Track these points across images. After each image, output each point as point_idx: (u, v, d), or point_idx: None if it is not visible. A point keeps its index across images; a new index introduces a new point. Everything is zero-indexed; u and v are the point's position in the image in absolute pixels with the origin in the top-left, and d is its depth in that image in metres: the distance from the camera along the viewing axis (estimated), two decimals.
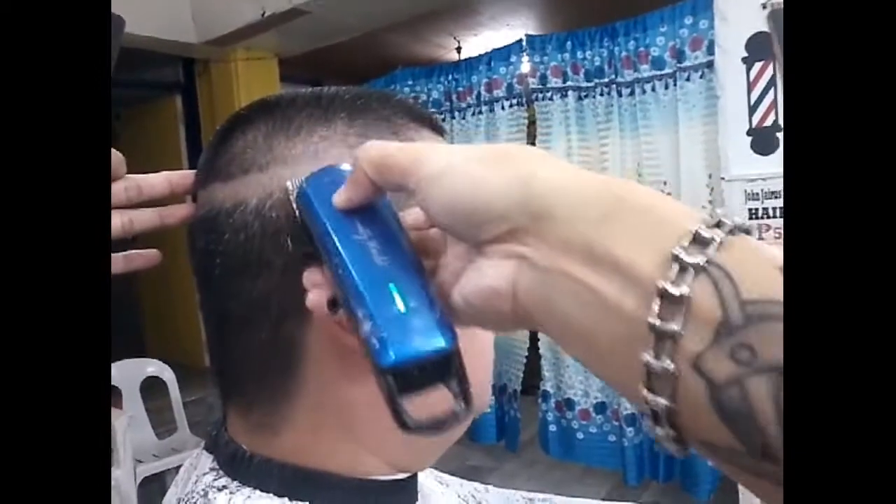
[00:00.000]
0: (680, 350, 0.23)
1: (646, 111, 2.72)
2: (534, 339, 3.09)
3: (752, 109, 2.33)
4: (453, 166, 0.28)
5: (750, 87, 2.34)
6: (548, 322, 0.27)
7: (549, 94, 2.94)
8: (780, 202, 2.26)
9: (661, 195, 0.27)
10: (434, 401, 0.29)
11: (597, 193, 0.26)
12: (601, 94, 2.84)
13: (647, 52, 2.67)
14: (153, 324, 5.33)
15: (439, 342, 0.29)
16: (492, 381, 0.45)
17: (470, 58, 3.40)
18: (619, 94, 2.78)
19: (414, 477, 0.44)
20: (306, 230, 0.33)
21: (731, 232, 0.24)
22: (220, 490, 0.38)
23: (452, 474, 0.55)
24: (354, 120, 0.39)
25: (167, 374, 2.89)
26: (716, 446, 0.23)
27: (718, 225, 0.24)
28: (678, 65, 2.58)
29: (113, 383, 2.68)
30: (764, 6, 2.25)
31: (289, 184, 0.34)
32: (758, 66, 2.31)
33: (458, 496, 0.53)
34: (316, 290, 0.33)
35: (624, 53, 2.73)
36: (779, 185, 2.25)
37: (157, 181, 0.43)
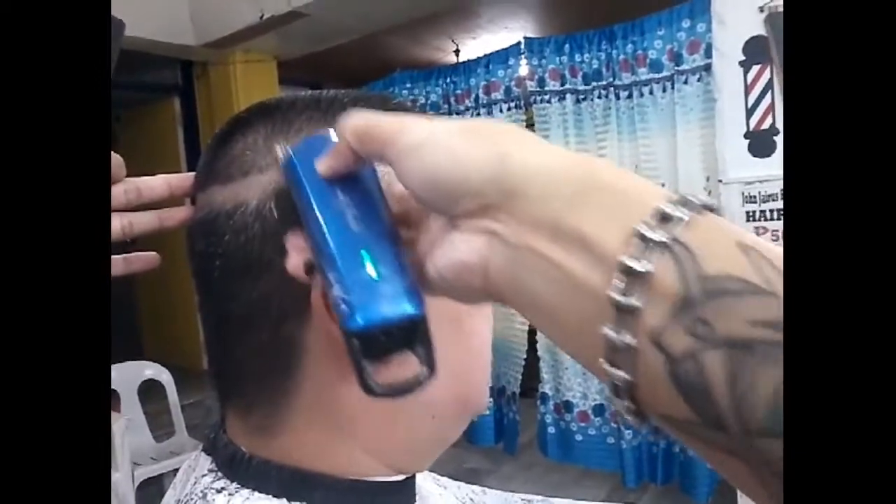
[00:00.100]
0: (640, 324, 0.23)
1: (643, 114, 2.72)
2: (532, 342, 3.09)
3: (750, 112, 2.34)
4: (432, 139, 0.29)
5: (747, 90, 2.34)
6: (516, 298, 0.28)
7: (547, 97, 2.94)
8: (777, 205, 2.26)
9: (633, 175, 0.27)
10: (399, 366, 0.30)
11: (568, 172, 0.27)
12: (599, 97, 2.84)
13: (645, 55, 2.67)
14: (151, 327, 5.33)
15: (406, 308, 0.30)
16: (490, 383, 0.45)
17: (468, 60, 3.40)
18: (617, 97, 2.79)
19: (412, 478, 0.44)
20: (291, 196, 0.34)
21: (697, 210, 0.24)
22: (218, 492, 0.38)
23: (450, 477, 0.55)
24: None
25: (165, 377, 2.89)
26: (673, 418, 0.23)
27: (685, 203, 0.24)
28: (676, 68, 2.58)
29: (111, 386, 2.68)
30: (761, 10, 2.26)
31: (278, 150, 0.35)
32: (755, 69, 2.32)
33: (456, 498, 0.53)
34: (296, 253, 0.33)
35: (622, 56, 2.74)
36: (776, 187, 2.26)
37: (157, 184, 0.43)
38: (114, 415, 2.46)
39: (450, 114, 3.35)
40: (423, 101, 3.40)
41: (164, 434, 2.91)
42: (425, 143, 0.29)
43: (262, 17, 3.66)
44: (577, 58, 2.87)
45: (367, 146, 0.31)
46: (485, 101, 3.21)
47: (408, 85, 3.48)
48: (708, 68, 2.47)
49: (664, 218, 0.24)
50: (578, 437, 3.02)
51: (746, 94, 2.34)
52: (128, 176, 0.42)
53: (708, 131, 2.50)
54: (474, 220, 0.28)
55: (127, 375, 2.81)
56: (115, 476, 2.31)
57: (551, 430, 3.08)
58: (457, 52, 5.10)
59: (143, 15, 3.53)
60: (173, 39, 3.98)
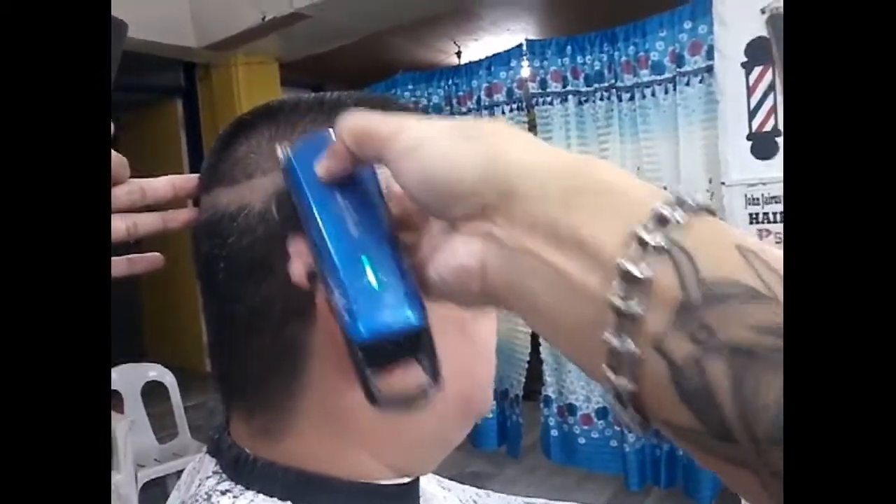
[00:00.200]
0: (641, 331, 0.23)
1: (645, 116, 2.72)
2: (535, 345, 3.09)
3: (752, 114, 2.34)
4: (428, 140, 0.28)
5: (749, 91, 2.34)
6: (515, 301, 0.27)
7: (549, 99, 2.95)
8: (780, 207, 2.26)
9: (631, 176, 0.27)
10: (404, 377, 0.30)
11: (564, 172, 0.26)
12: (601, 99, 2.84)
13: (647, 56, 2.67)
14: (154, 328, 5.34)
15: (409, 319, 0.29)
16: (493, 385, 0.45)
17: (470, 62, 3.41)
18: (619, 99, 2.79)
19: (416, 481, 0.44)
20: (291, 199, 0.34)
21: (694, 212, 0.24)
22: (223, 494, 0.38)
23: (452, 480, 0.55)
24: None
25: (168, 379, 2.89)
26: (677, 426, 0.23)
27: (681, 205, 0.24)
28: (678, 69, 2.59)
29: (114, 388, 2.68)
30: (763, 11, 2.25)
31: (279, 150, 0.35)
32: (757, 70, 2.31)
33: (460, 501, 0.53)
34: (298, 259, 0.33)
35: (624, 58, 2.74)
36: (779, 189, 2.25)
37: (161, 185, 0.43)
38: (117, 416, 2.46)
39: (452, 115, 3.34)
40: (425, 102, 3.41)
41: (167, 436, 2.91)
42: (421, 145, 0.29)
43: (263, 19, 3.67)
44: (579, 59, 2.87)
45: (364, 148, 0.31)
46: (487, 103, 3.21)
47: (410, 86, 3.49)
48: (710, 70, 2.47)
49: (662, 220, 0.24)
50: (581, 441, 3.01)
51: (749, 95, 2.34)
52: (131, 178, 0.42)
53: (710, 133, 2.50)
54: (472, 223, 0.28)
55: (130, 377, 2.81)
56: (118, 477, 2.31)
57: (554, 433, 3.08)
58: (459, 53, 5.10)
59: (145, 17, 3.53)
60: (175, 41, 3.98)
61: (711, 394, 0.21)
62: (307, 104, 0.40)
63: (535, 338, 3.06)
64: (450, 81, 3.37)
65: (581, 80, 2.88)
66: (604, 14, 3.35)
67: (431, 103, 3.41)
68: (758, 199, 2.31)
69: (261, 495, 0.38)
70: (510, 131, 0.29)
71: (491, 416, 3.26)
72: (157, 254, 0.45)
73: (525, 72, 3.10)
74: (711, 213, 0.25)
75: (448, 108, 3.37)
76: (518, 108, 3.15)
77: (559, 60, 2.91)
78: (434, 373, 0.30)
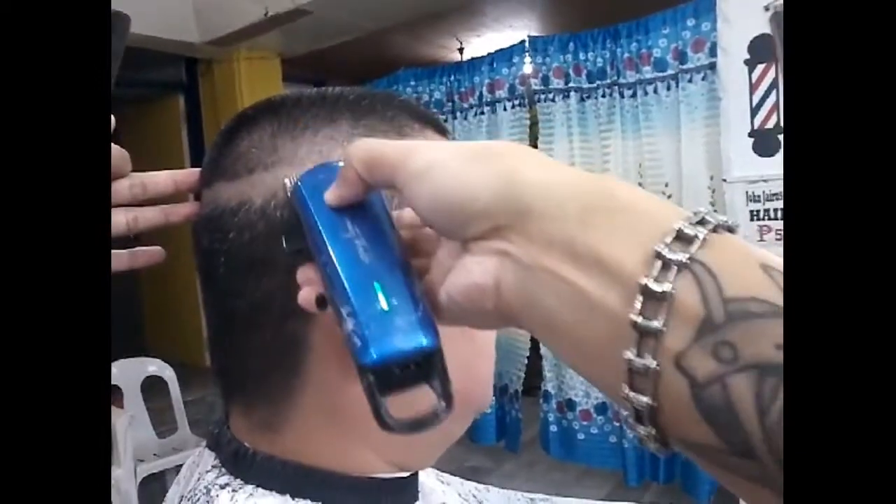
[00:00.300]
0: (662, 348, 0.23)
1: (648, 112, 2.72)
2: (535, 340, 3.09)
3: (754, 111, 2.33)
4: (439, 163, 0.28)
5: (752, 89, 2.33)
6: (530, 320, 0.27)
7: (551, 96, 2.94)
8: (781, 204, 2.26)
9: (646, 193, 0.27)
10: (415, 400, 0.29)
11: (580, 190, 0.26)
12: (603, 96, 2.84)
13: (650, 53, 2.67)
14: (154, 323, 5.34)
15: (421, 341, 0.29)
16: (493, 381, 0.45)
17: (472, 59, 3.40)
18: (622, 96, 2.78)
19: (415, 475, 0.44)
20: (300, 227, 0.33)
21: (715, 230, 0.24)
22: (222, 488, 0.38)
23: (451, 475, 0.56)
24: (359, 120, 0.39)
25: (168, 374, 2.89)
26: (697, 444, 0.23)
27: (702, 222, 0.24)
28: (680, 66, 2.58)
29: (114, 382, 2.68)
30: (766, 8, 2.25)
31: (286, 181, 0.35)
32: (760, 68, 2.31)
33: (459, 495, 0.53)
34: (307, 286, 0.33)
35: (626, 55, 2.73)
36: (780, 187, 2.25)
37: (162, 179, 0.43)
38: (117, 411, 2.46)
39: (454, 112, 3.35)
40: (427, 98, 3.40)
41: (166, 430, 2.92)
42: (433, 167, 0.28)
43: (266, 15, 3.67)
44: (582, 56, 2.86)
45: (375, 173, 0.30)
46: (489, 100, 3.20)
47: (412, 83, 3.48)
48: (712, 67, 2.46)
49: (682, 237, 0.23)
50: (580, 436, 3.01)
51: (751, 92, 2.34)
52: (132, 172, 0.42)
53: (712, 130, 2.50)
54: (486, 243, 0.28)
55: (130, 372, 2.82)
56: (118, 472, 2.31)
57: (553, 428, 3.08)
58: (461, 50, 5.09)
59: (147, 12, 3.53)
60: (177, 36, 3.98)
61: (734, 411, 0.21)
62: (309, 99, 0.40)
63: None
64: (452, 78, 3.37)
65: (583, 76, 2.87)
66: (606, 11, 3.34)
67: (433, 99, 3.40)
68: (759, 195, 2.31)
69: (260, 489, 0.38)
70: (523, 150, 0.28)
71: (490, 411, 3.26)
72: (158, 247, 0.45)
73: (527, 68, 3.10)
74: (733, 231, 0.25)
75: (450, 104, 3.36)
76: (520, 105, 3.15)
77: (562, 57, 2.90)
78: (447, 395, 0.30)
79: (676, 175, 2.65)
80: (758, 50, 2.30)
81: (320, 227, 0.32)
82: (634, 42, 2.71)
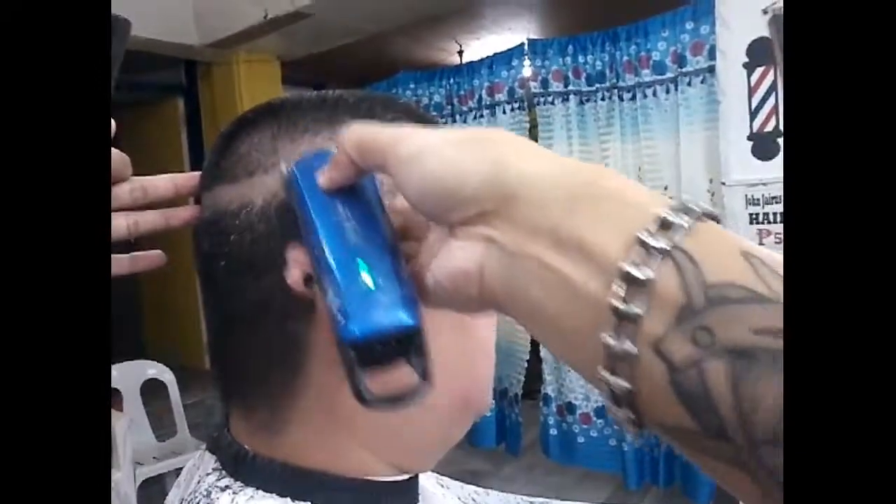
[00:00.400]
0: (641, 332, 0.23)
1: (647, 116, 2.72)
2: (535, 343, 3.09)
3: (753, 114, 2.33)
4: (429, 148, 0.29)
5: (751, 92, 2.34)
6: (513, 305, 0.27)
7: (550, 99, 2.94)
8: (780, 207, 2.26)
9: (631, 181, 0.27)
10: (395, 377, 0.30)
11: (567, 178, 0.26)
12: (602, 99, 2.84)
13: (649, 56, 2.67)
14: (154, 326, 5.33)
15: (402, 318, 0.29)
16: (493, 384, 0.45)
17: (472, 61, 3.40)
18: (621, 99, 2.79)
19: (415, 478, 0.44)
20: (293, 208, 0.34)
21: (699, 218, 0.24)
22: (223, 490, 0.38)
23: (451, 478, 0.56)
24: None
25: (167, 377, 2.89)
26: (674, 427, 0.23)
27: (686, 211, 0.24)
28: (679, 69, 2.58)
29: (113, 385, 2.68)
30: (765, 12, 2.25)
31: (283, 167, 0.35)
32: (759, 71, 2.31)
33: (459, 499, 0.53)
34: (296, 265, 0.33)
35: (625, 58, 2.74)
36: (779, 190, 2.25)
37: (163, 183, 0.43)
38: (116, 414, 2.46)
39: (453, 115, 3.35)
40: (426, 101, 3.41)
41: (166, 433, 2.91)
42: (422, 152, 0.29)
43: (265, 17, 3.67)
44: (581, 59, 2.87)
45: (367, 157, 0.31)
46: (488, 103, 3.21)
47: (411, 86, 3.48)
48: (711, 70, 2.46)
49: (665, 225, 0.24)
50: (580, 439, 3.01)
51: (750, 96, 2.34)
52: (132, 175, 0.42)
53: (711, 133, 2.50)
54: (472, 228, 0.28)
55: (129, 375, 2.82)
56: (117, 475, 2.31)
57: (553, 431, 3.08)
58: (460, 53, 5.10)
59: (146, 14, 3.53)
60: (177, 39, 3.98)
61: (709, 394, 0.22)
62: (309, 102, 0.40)
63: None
64: (451, 80, 3.37)
65: (583, 79, 2.88)
66: (605, 14, 3.34)
67: (433, 102, 3.41)
68: (758, 199, 2.31)
69: (260, 491, 0.38)
70: (513, 138, 0.29)
71: (490, 414, 3.26)
72: (158, 251, 0.45)
73: (527, 71, 3.10)
74: (715, 218, 0.25)
75: (449, 107, 3.37)
76: (519, 108, 3.15)
77: (561, 60, 2.91)
78: (425, 373, 0.30)
79: (675, 178, 2.65)
80: (756, 53, 2.30)
81: (310, 208, 0.32)
82: (633, 45, 2.71)
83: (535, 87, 2.98)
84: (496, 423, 3.32)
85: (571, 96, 2.90)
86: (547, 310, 0.26)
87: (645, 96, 2.71)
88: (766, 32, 2.26)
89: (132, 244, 0.43)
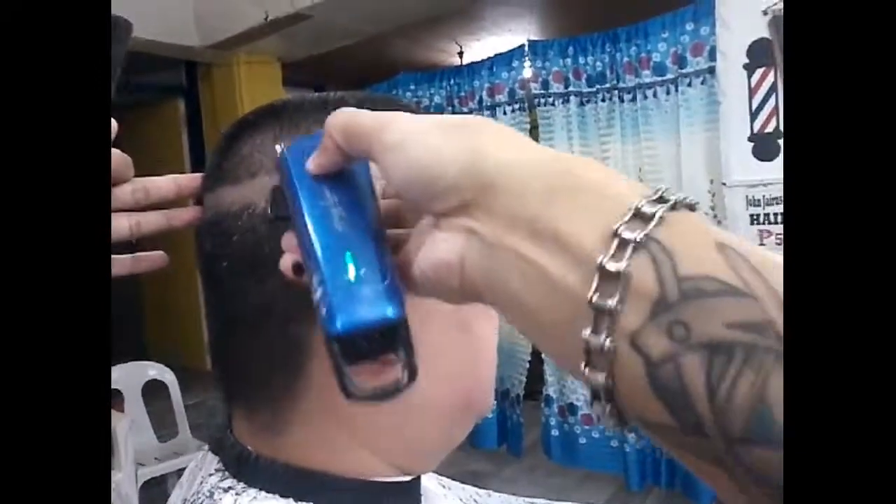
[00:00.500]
0: (618, 327, 0.23)
1: (647, 117, 2.72)
2: None
3: (754, 115, 2.34)
4: (413, 135, 0.28)
5: (751, 93, 2.34)
6: (493, 297, 0.27)
7: (550, 100, 2.95)
8: (781, 208, 2.26)
9: (613, 172, 0.26)
10: (379, 371, 0.30)
11: (546, 168, 0.26)
12: (603, 100, 2.84)
13: (649, 57, 2.67)
14: (155, 327, 5.34)
15: (385, 312, 0.29)
16: (494, 385, 0.45)
17: (472, 63, 3.40)
18: (621, 100, 2.79)
19: (417, 479, 0.44)
20: (285, 195, 0.34)
21: (675, 207, 0.24)
22: (225, 491, 0.38)
23: (452, 479, 0.56)
24: None
25: (169, 378, 2.89)
26: (653, 423, 0.23)
27: (663, 201, 0.24)
28: (680, 70, 2.58)
29: (115, 386, 2.68)
30: (765, 13, 2.25)
31: (278, 148, 0.35)
32: (759, 72, 2.32)
33: (460, 500, 0.53)
34: (289, 253, 0.33)
35: (626, 59, 2.74)
36: (780, 191, 2.25)
37: (165, 184, 0.43)
38: (117, 415, 2.46)
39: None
40: (426, 103, 3.41)
41: (167, 434, 2.91)
42: (406, 139, 0.28)
43: (266, 19, 3.67)
44: (581, 60, 2.87)
45: (353, 142, 0.31)
46: (488, 104, 3.21)
47: (412, 87, 3.48)
48: (712, 71, 2.47)
49: (641, 216, 0.23)
50: (582, 440, 3.01)
51: (750, 97, 2.34)
52: (135, 177, 0.42)
53: (712, 134, 2.50)
54: (454, 219, 0.28)
55: (131, 376, 2.82)
56: (119, 476, 2.31)
57: (555, 432, 3.08)
58: (460, 54, 5.10)
59: (147, 16, 3.53)
60: (177, 41, 3.98)
61: (685, 389, 0.21)
62: (311, 103, 0.40)
63: None
64: (451, 82, 3.37)
65: (583, 80, 2.88)
66: (606, 15, 3.34)
67: (433, 104, 3.41)
68: (759, 200, 2.31)
69: (263, 492, 0.38)
70: (495, 128, 0.28)
71: (492, 415, 3.25)
72: (160, 252, 0.45)
73: (527, 72, 3.10)
74: (693, 209, 0.25)
75: (450, 108, 3.37)
76: (520, 109, 3.15)
77: (561, 61, 2.91)
78: (410, 368, 0.30)
79: (676, 179, 2.65)
80: (757, 54, 2.30)
81: (299, 194, 0.32)
82: (634, 46, 2.71)
83: (535, 88, 2.98)
84: (498, 424, 3.32)
85: (572, 97, 2.90)
86: (526, 302, 0.26)
87: (645, 97, 2.72)
88: (766, 33, 2.26)
89: (134, 245, 0.43)
